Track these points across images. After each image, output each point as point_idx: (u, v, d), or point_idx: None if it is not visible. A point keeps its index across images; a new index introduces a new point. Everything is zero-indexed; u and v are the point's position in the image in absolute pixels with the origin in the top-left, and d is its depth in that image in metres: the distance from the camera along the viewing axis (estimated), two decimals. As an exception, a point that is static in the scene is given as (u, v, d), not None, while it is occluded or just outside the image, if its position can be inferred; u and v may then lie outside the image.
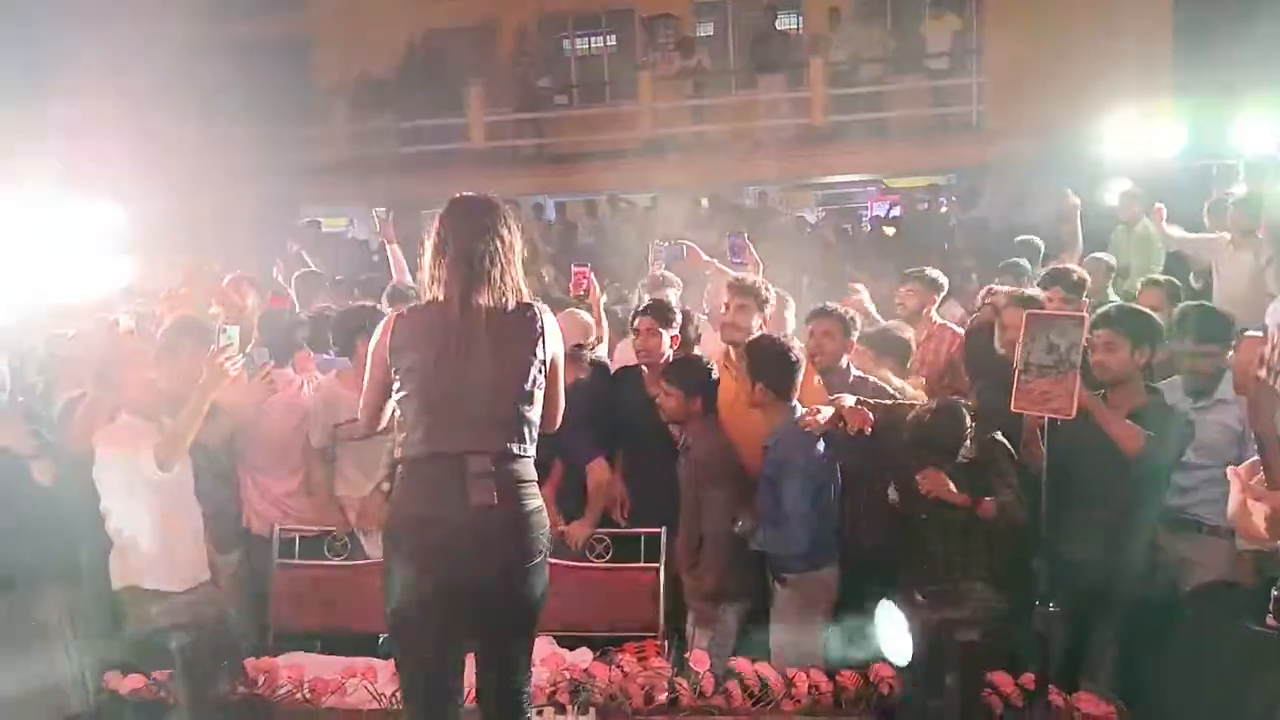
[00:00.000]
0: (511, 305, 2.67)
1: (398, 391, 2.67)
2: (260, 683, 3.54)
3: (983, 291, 5.14)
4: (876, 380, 4.34)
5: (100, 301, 6.49)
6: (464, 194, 2.77)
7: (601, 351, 4.83)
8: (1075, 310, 3.89)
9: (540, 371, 2.68)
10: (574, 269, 4.88)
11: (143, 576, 3.51)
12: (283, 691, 3.53)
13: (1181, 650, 2.91)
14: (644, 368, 4.30)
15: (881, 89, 13.13)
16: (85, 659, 3.63)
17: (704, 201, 12.28)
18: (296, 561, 4.14)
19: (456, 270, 2.64)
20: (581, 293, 4.77)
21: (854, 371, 4.37)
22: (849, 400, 3.76)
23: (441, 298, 2.66)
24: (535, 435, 2.70)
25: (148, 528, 3.53)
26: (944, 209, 12.66)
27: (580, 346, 4.31)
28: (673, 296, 4.84)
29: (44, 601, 3.57)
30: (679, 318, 4.38)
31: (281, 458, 4.35)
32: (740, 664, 3.52)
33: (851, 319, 4.37)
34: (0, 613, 3.48)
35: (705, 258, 4.98)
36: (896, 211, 12.72)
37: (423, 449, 2.62)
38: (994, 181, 12.16)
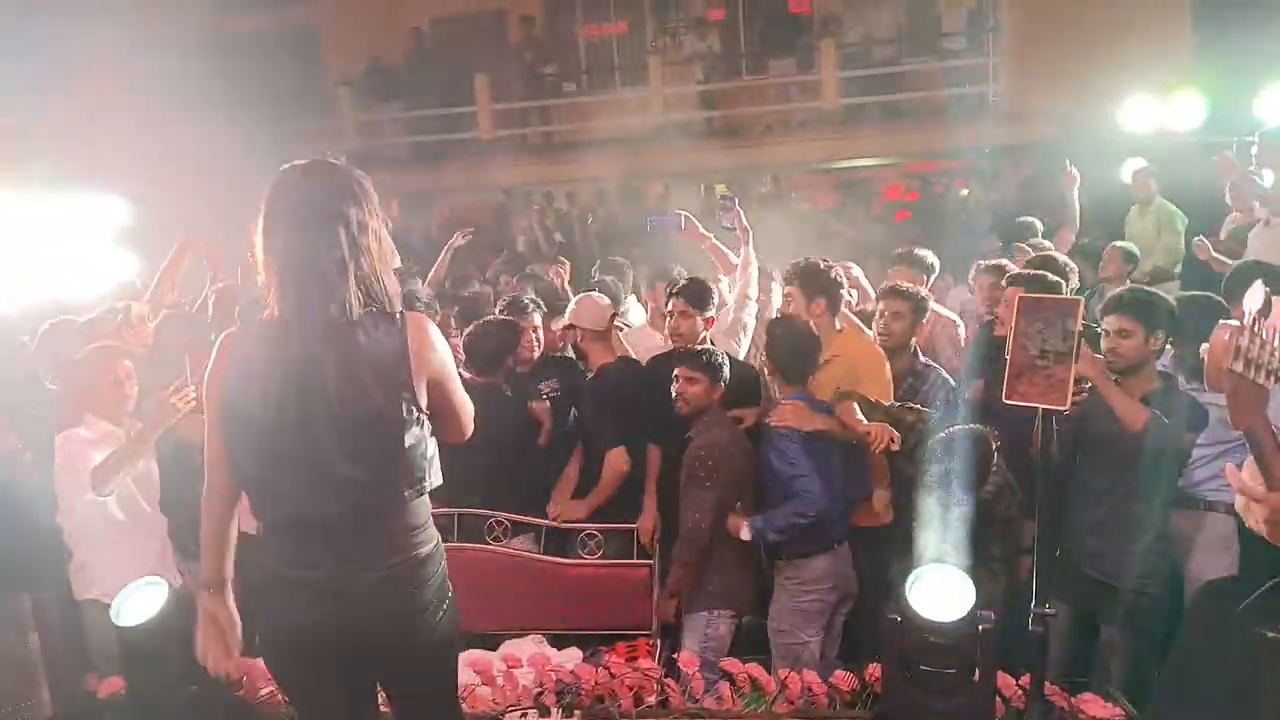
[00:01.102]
0: (368, 314, 2.09)
1: (239, 439, 2.12)
2: (242, 684, 3.48)
3: (972, 270, 5.01)
4: (942, 374, 4.18)
5: (105, 297, 6.47)
6: (297, 163, 2.13)
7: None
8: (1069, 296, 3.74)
9: (418, 394, 2.14)
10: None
11: (101, 591, 3.42)
12: (264, 693, 3.47)
13: (1189, 652, 2.79)
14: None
15: (895, 70, 12.93)
16: (64, 661, 3.59)
17: (721, 189, 12.11)
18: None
19: (290, 273, 2.05)
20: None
21: (921, 358, 4.23)
22: (862, 420, 3.60)
23: (276, 313, 2.09)
24: (426, 468, 2.20)
25: (103, 542, 3.45)
26: (965, 192, 12.46)
27: (613, 318, 4.25)
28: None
29: (19, 603, 3.52)
30: (715, 299, 4.26)
31: None
32: (731, 664, 3.42)
33: (923, 299, 4.24)
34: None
35: (702, 231, 4.85)
36: (909, 196, 12.54)
37: (279, 513, 2.15)
38: (1010, 164, 11.93)
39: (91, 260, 6.46)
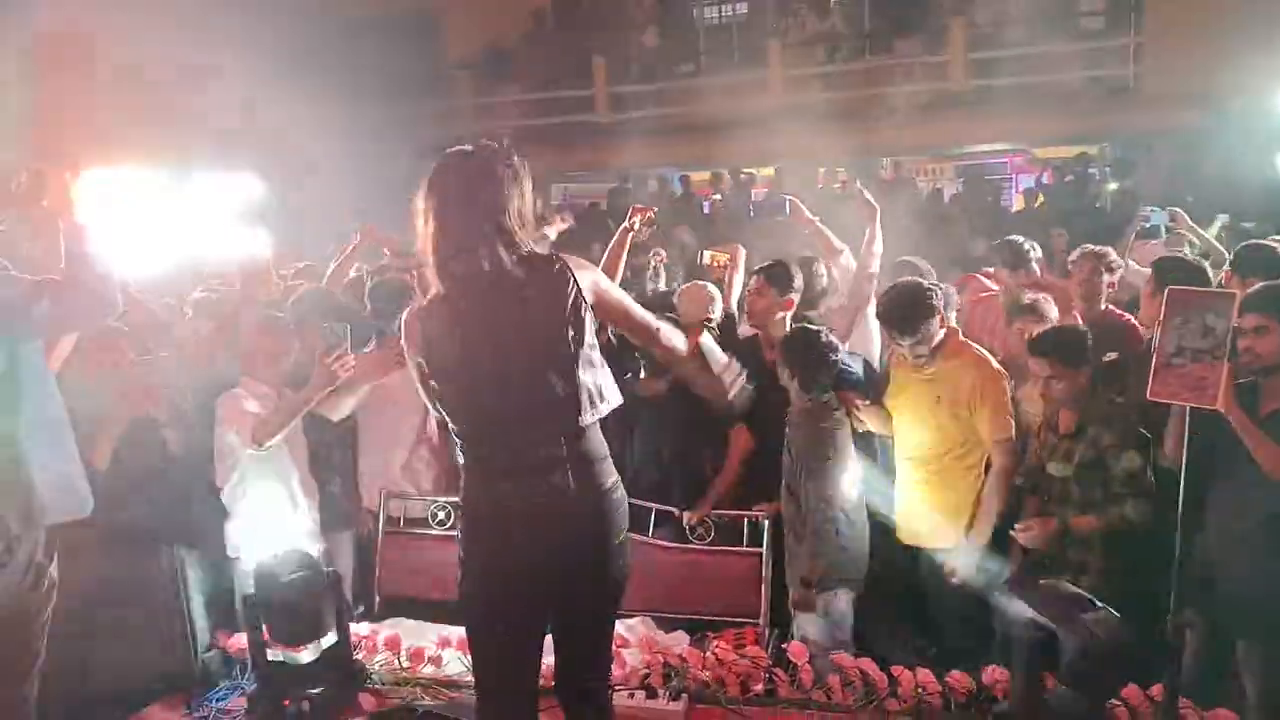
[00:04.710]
0: (528, 265, 2.36)
1: (435, 391, 2.45)
2: (360, 651, 3.59)
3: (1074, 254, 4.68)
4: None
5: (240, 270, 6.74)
6: (451, 150, 2.43)
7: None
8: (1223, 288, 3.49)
9: (584, 324, 2.38)
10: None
11: (251, 548, 3.57)
12: (381, 660, 3.58)
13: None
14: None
15: (1028, 51, 12.36)
16: (198, 618, 3.77)
17: (841, 172, 11.85)
18: (402, 530, 4.18)
19: (443, 241, 2.34)
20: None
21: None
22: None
23: (443, 290, 2.37)
24: (600, 400, 2.43)
25: (261, 502, 3.60)
26: (1099, 181, 11.85)
27: (707, 320, 4.20)
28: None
29: (162, 563, 3.70)
30: (798, 282, 4.19)
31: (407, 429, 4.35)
32: (842, 658, 3.36)
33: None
34: (120, 571, 3.55)
35: (808, 215, 4.74)
36: (1047, 179, 11.96)
37: (479, 447, 2.44)
38: (1152, 152, 11.30)
39: (226, 235, 6.73)
